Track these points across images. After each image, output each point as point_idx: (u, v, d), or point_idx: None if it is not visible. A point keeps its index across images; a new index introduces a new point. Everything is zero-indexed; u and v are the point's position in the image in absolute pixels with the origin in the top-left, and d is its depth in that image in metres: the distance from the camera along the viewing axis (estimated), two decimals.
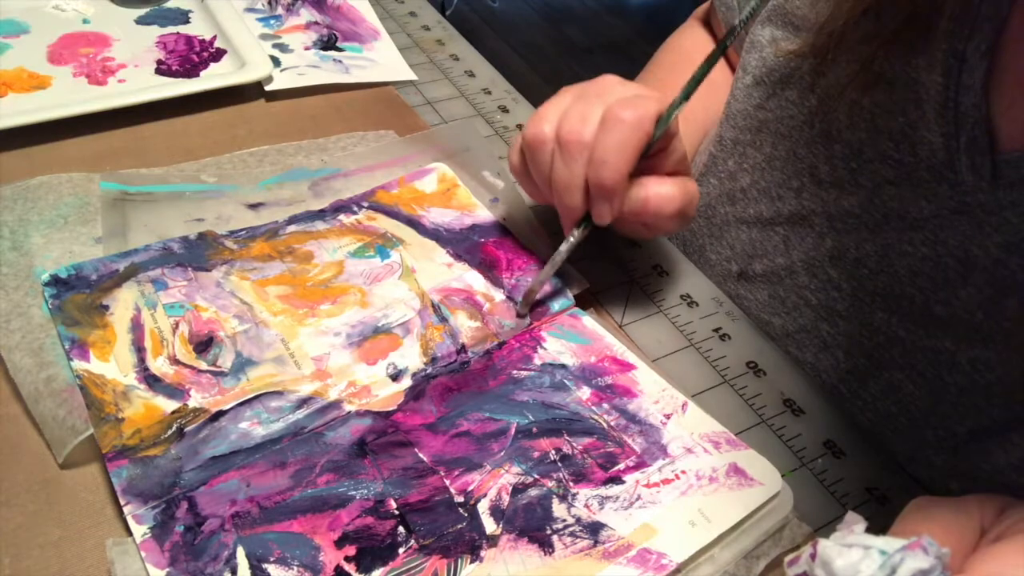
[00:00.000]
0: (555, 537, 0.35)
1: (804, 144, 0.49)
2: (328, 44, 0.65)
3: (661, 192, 0.42)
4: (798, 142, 0.49)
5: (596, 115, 0.40)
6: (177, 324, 0.41)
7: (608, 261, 0.51)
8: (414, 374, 0.41)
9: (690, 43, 0.67)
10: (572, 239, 0.43)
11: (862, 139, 0.46)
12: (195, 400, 0.38)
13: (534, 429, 0.39)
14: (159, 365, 0.39)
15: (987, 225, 0.41)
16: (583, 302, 0.47)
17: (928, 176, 0.43)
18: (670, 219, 0.43)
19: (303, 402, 0.39)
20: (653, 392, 0.42)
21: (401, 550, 0.34)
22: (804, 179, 0.48)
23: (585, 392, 0.41)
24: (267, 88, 0.59)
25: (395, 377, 0.41)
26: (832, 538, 0.26)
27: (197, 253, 0.45)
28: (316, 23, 0.67)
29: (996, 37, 0.40)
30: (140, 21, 0.65)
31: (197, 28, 0.65)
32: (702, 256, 0.55)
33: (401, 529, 0.35)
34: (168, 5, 0.67)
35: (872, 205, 0.45)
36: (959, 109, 0.41)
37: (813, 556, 0.25)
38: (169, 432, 0.36)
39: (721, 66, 0.65)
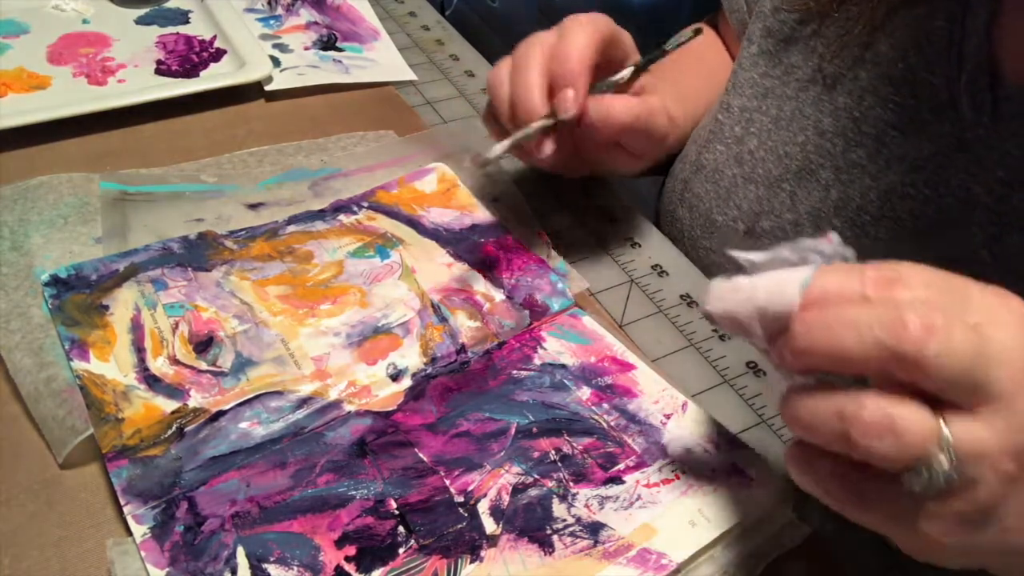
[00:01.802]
0: (555, 537, 0.35)
1: (810, 103, 0.50)
2: (328, 44, 0.65)
3: (626, 101, 0.45)
4: (804, 102, 0.50)
5: (545, 44, 0.45)
6: (177, 324, 0.41)
7: (608, 261, 0.51)
8: (414, 374, 0.41)
9: (698, 43, 0.67)
10: (535, 124, 0.43)
11: (863, 87, 0.47)
12: (195, 400, 0.38)
13: (534, 429, 0.39)
14: (159, 365, 0.39)
15: (988, 160, 0.42)
16: (583, 302, 0.47)
17: (930, 116, 0.44)
18: (632, 131, 0.46)
19: (303, 402, 0.39)
20: (653, 392, 0.42)
21: (401, 550, 0.34)
22: (809, 133, 0.50)
23: (585, 392, 0.41)
24: (267, 88, 0.59)
25: (395, 377, 0.41)
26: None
27: (197, 253, 0.45)
28: (316, 23, 0.67)
29: None
30: (140, 21, 0.65)
31: (197, 28, 0.65)
32: (708, 219, 0.56)
33: (401, 529, 0.35)
34: (168, 5, 0.67)
35: (878, 154, 0.46)
36: (963, 52, 0.42)
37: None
38: (169, 432, 0.36)
39: (721, 53, 0.66)
